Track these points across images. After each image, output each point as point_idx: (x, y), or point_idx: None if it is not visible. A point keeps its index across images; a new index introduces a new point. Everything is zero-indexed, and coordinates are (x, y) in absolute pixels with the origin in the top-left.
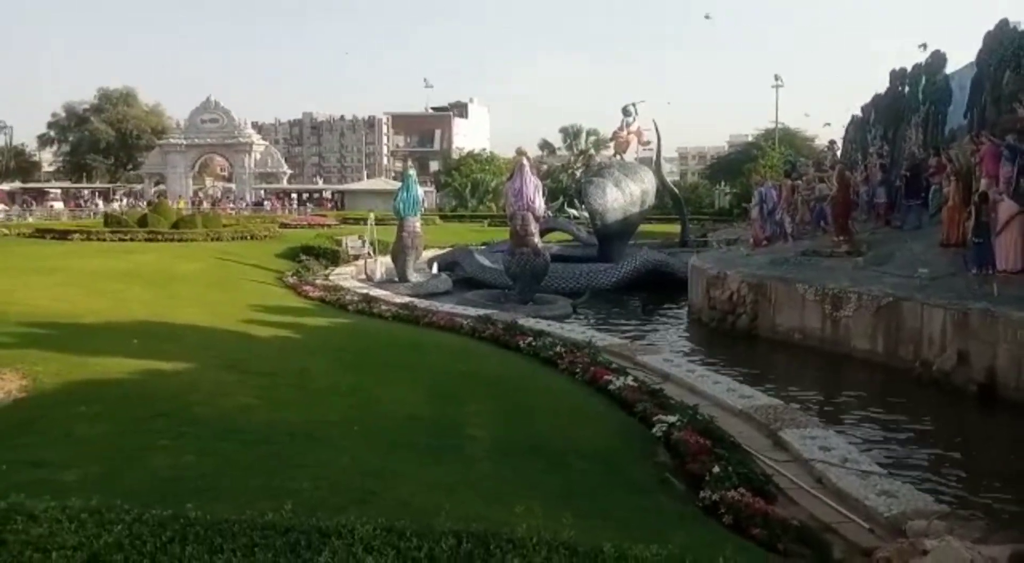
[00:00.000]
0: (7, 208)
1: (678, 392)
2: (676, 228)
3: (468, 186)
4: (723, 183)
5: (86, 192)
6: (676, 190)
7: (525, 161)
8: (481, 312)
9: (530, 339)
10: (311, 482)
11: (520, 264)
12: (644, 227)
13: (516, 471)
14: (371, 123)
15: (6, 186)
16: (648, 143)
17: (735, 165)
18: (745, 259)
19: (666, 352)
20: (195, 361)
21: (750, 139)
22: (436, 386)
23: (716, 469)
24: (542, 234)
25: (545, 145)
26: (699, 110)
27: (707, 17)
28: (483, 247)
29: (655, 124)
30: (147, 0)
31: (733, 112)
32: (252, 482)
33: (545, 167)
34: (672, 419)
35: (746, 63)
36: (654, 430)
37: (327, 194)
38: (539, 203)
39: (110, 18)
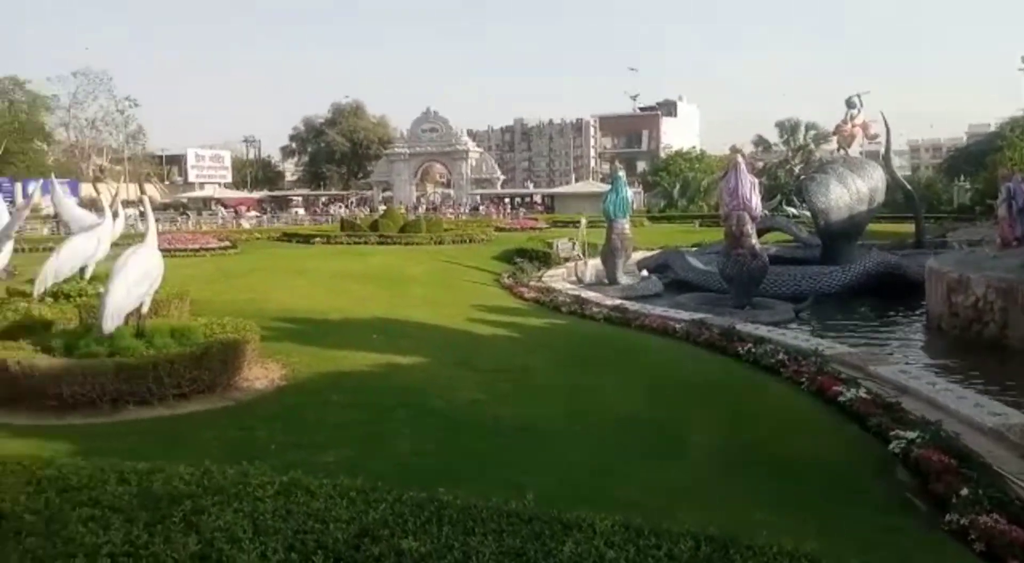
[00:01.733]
0: (258, 215)
1: (917, 406)
2: (908, 228)
3: (677, 186)
4: (962, 178)
5: (323, 199)
6: (908, 186)
7: (740, 159)
8: (695, 316)
9: (749, 345)
10: (542, 476)
11: (736, 266)
12: (872, 227)
13: (742, 479)
14: (579, 126)
15: (256, 194)
16: (875, 136)
17: (976, 158)
18: (992, 261)
19: (902, 363)
20: (428, 356)
21: (993, 128)
22: (653, 389)
23: (964, 491)
24: (759, 234)
25: (760, 141)
26: (934, 97)
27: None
28: (695, 249)
29: (883, 116)
30: (372, 21)
31: (971, 99)
32: (488, 472)
33: (761, 164)
34: (912, 435)
35: (985, 44)
36: (891, 446)
37: (537, 198)
38: (755, 202)
39: (342, 39)
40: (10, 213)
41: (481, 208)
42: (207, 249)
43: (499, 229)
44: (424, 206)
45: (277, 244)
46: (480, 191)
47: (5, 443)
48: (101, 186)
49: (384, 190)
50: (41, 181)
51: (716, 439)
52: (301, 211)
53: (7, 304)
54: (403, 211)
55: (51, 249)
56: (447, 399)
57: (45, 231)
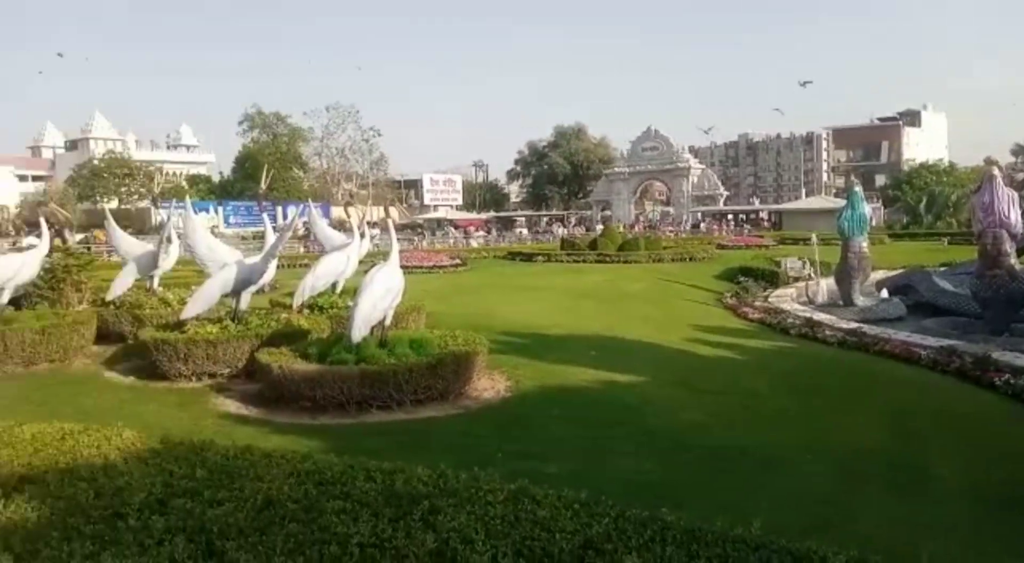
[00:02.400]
0: (485, 234)
1: None
2: None
3: (923, 200)
4: None
5: (544, 219)
6: None
7: (996, 171)
8: (943, 342)
9: (1007, 376)
10: (768, 503)
11: (992, 288)
12: None
13: (995, 522)
14: (809, 139)
15: (484, 216)
16: None
17: None
18: None
19: None
20: (647, 375)
21: None
22: (894, 419)
23: None
24: (1019, 254)
25: (1020, 151)
26: None
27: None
28: (943, 269)
29: None
30: (593, 52)
31: None
32: (711, 495)
33: (1021, 176)
34: None
35: None
36: None
37: (764, 214)
38: (1015, 218)
39: (567, 65)
40: (274, 233)
41: (702, 225)
42: (440, 266)
43: (721, 247)
44: (643, 224)
45: (502, 262)
46: (702, 208)
47: (269, 438)
48: (351, 210)
49: (603, 209)
50: (301, 205)
51: (966, 476)
52: (524, 231)
53: (271, 314)
54: (622, 229)
55: (307, 266)
56: (668, 419)
57: (301, 249)
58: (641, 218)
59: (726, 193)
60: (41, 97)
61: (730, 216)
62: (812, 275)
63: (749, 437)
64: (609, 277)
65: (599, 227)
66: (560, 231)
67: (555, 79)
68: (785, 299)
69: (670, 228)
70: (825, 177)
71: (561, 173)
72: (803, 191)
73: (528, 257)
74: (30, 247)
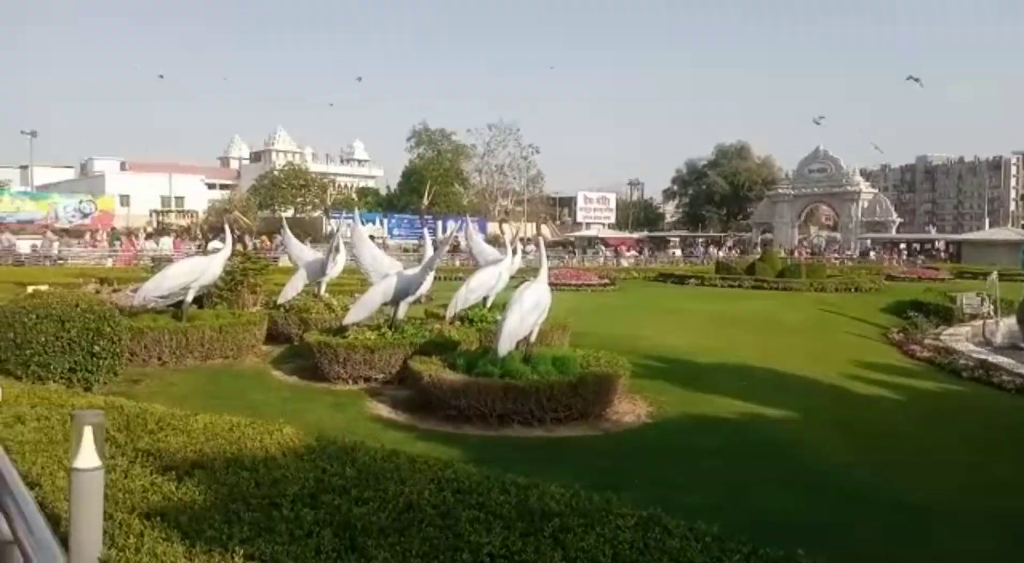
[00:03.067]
0: (637, 254)
1: None
2: None
3: None
4: None
5: (700, 240)
6: None
7: None
8: None
9: None
10: (916, 558)
11: None
12: None
13: None
14: (996, 164)
15: (636, 235)
16: None
17: None
18: None
19: None
20: (797, 410)
21: None
22: None
23: None
24: None
25: None
26: None
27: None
28: None
29: None
30: (757, 69)
31: None
32: (854, 541)
33: None
34: None
35: None
36: None
37: (940, 244)
38: None
39: (727, 82)
40: (433, 247)
41: (871, 253)
42: (589, 285)
43: (891, 277)
44: (806, 250)
45: (653, 284)
46: (871, 235)
47: (415, 443)
48: (505, 226)
49: (763, 232)
50: (459, 220)
51: None
52: (678, 252)
53: (424, 324)
54: (782, 254)
55: (461, 278)
56: (816, 457)
57: (456, 262)
58: (805, 243)
59: (899, 220)
60: (231, 112)
61: (903, 245)
62: (991, 313)
63: (904, 484)
64: (765, 304)
65: (757, 251)
66: (716, 253)
67: (716, 96)
68: (958, 338)
69: (835, 255)
70: (1013, 206)
71: (720, 193)
72: (986, 221)
73: (680, 279)
74: (215, 251)
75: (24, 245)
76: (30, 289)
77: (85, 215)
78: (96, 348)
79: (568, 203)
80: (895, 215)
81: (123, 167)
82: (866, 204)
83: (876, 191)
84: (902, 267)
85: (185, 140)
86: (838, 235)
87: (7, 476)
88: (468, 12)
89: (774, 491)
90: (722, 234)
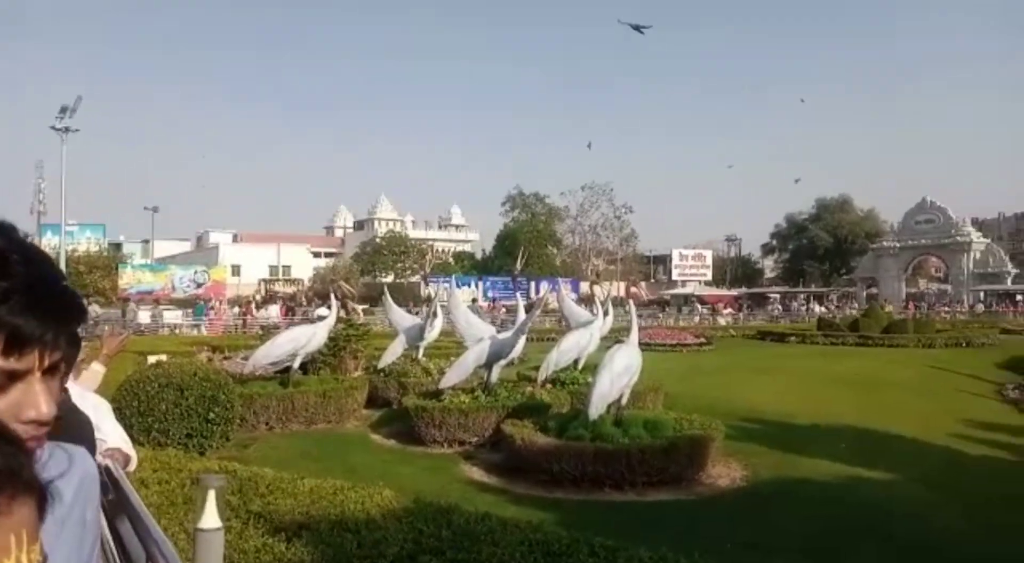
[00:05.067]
0: (734, 312)
1: None
2: None
3: None
4: None
5: (801, 296)
6: None
7: None
8: None
9: None
10: None
11: None
12: None
13: None
14: None
15: (734, 292)
16: None
17: None
18: None
19: None
20: (900, 473)
21: None
22: None
23: None
24: None
25: None
26: None
27: None
28: None
29: None
30: (853, 120)
31: None
32: None
33: None
34: None
35: None
36: None
37: None
38: None
39: (827, 135)
40: (526, 310)
41: (980, 306)
42: (684, 345)
43: (1007, 331)
44: (914, 304)
45: (751, 342)
46: (985, 287)
47: (507, 507)
48: (596, 288)
49: (868, 286)
50: (551, 283)
51: None
52: (778, 308)
53: (517, 387)
54: (888, 309)
55: (553, 340)
56: (918, 523)
57: (547, 324)
58: (912, 299)
59: (1015, 271)
60: (338, 183)
61: (1019, 297)
62: None
63: (1019, 552)
64: (870, 362)
65: (855, 306)
66: (818, 309)
67: (816, 150)
68: None
69: (946, 309)
70: None
71: (822, 246)
72: None
73: (780, 337)
74: (319, 319)
75: (144, 315)
76: (152, 359)
77: (199, 285)
78: (211, 415)
79: (663, 261)
80: (1009, 266)
81: (236, 238)
82: (978, 255)
83: (988, 241)
84: (1019, 320)
85: (296, 210)
86: (949, 288)
87: (151, 527)
88: (566, 79)
89: (872, 557)
90: (824, 289)
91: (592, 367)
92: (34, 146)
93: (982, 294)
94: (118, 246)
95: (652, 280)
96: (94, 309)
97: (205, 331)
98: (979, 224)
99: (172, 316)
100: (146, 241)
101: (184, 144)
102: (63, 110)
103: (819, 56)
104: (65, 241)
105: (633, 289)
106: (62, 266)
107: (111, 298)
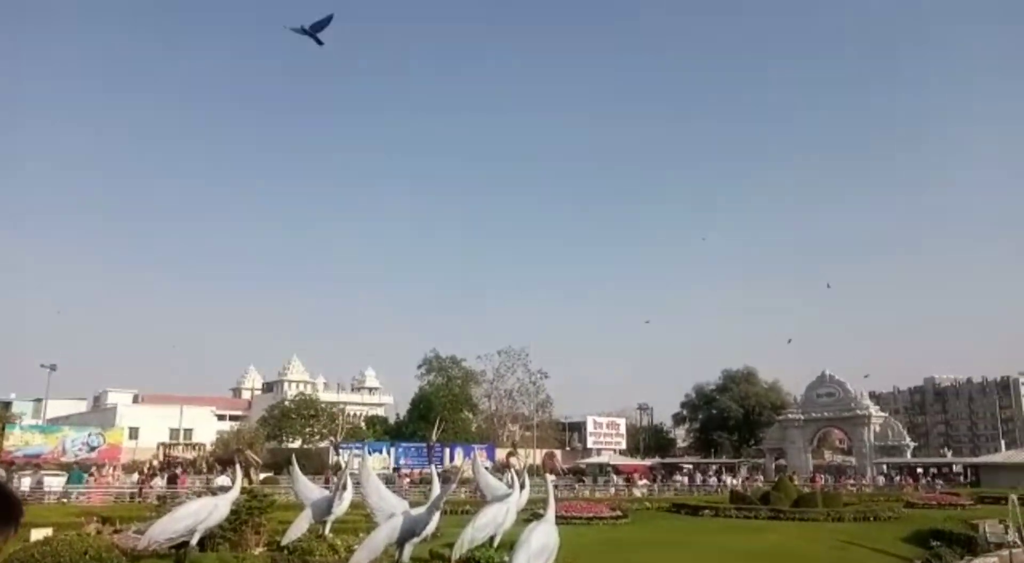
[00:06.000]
0: (648, 483)
1: None
2: None
3: None
4: None
5: (713, 467)
6: None
7: None
8: None
9: None
10: None
11: None
12: None
13: None
14: (1005, 385)
15: (648, 461)
16: None
17: None
18: None
19: None
20: None
21: None
22: None
23: None
24: None
25: None
26: None
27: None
28: None
29: None
30: (763, 289)
31: None
32: None
33: None
34: None
35: None
36: None
37: (957, 468)
38: None
39: (731, 306)
40: (440, 479)
41: (881, 478)
42: (600, 518)
43: (910, 505)
44: (820, 476)
45: (666, 515)
46: (887, 460)
47: None
48: (513, 459)
49: (777, 457)
50: (468, 450)
51: None
52: (686, 480)
53: None
54: (795, 481)
55: (468, 512)
56: None
57: (462, 495)
58: (819, 471)
59: (913, 444)
60: (248, 343)
61: (919, 470)
62: (1018, 542)
63: None
64: (782, 537)
65: (762, 478)
66: (730, 481)
67: (722, 323)
68: None
69: (851, 481)
70: None
71: (733, 418)
72: (1002, 442)
73: (694, 510)
74: (221, 488)
75: (26, 481)
76: (37, 534)
77: (92, 448)
78: None
79: (578, 428)
80: (908, 439)
81: (136, 399)
82: (878, 428)
83: (886, 414)
84: (920, 493)
85: (203, 370)
86: (853, 460)
87: None
88: (484, 239)
89: None
90: (735, 460)
91: (508, 544)
92: None
93: (884, 466)
94: (7, 405)
95: (568, 447)
96: None
97: (84, 499)
98: (876, 398)
99: (56, 482)
100: (39, 399)
101: (84, 299)
102: None
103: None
104: None
105: (550, 462)
106: None
107: None
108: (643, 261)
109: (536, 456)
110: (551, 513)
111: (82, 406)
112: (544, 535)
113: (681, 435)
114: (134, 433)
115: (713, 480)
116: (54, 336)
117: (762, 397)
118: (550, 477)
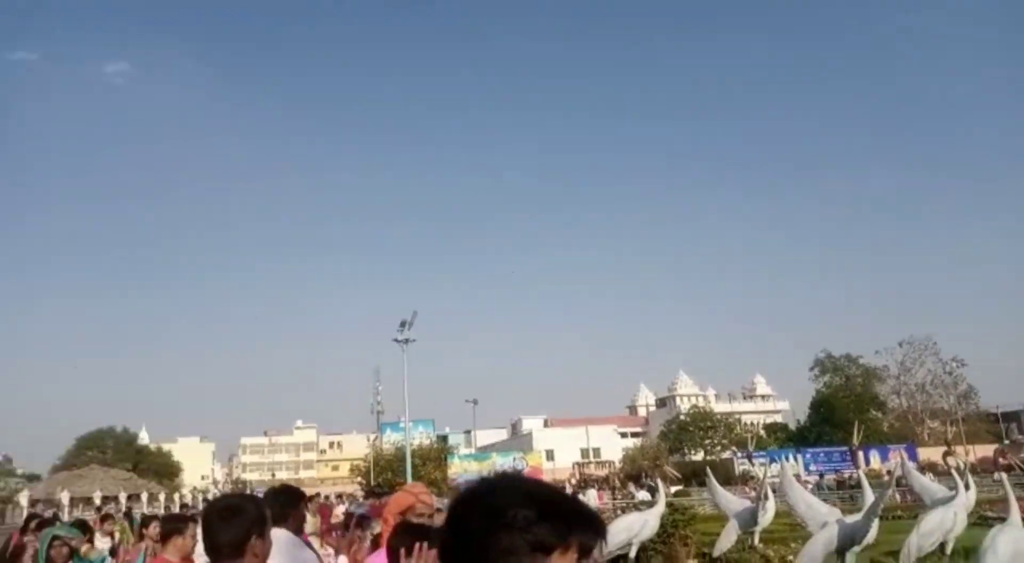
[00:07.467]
0: None
1: None
2: None
3: None
4: None
5: None
6: None
7: None
8: None
9: None
10: None
11: None
12: None
13: None
14: None
15: None
16: None
17: None
18: None
19: None
20: None
21: None
22: None
23: None
24: None
25: None
26: None
27: None
28: None
29: None
30: None
31: None
32: None
33: None
34: None
35: None
36: None
37: None
38: None
39: None
40: (871, 489)
41: None
42: None
43: None
44: None
45: None
46: None
47: None
48: (950, 459)
49: None
50: (886, 451)
51: None
52: None
53: None
54: None
55: (899, 517)
56: None
57: (897, 497)
58: None
59: None
60: (636, 361)
61: None
62: None
63: None
64: None
65: None
66: None
67: None
68: None
69: None
70: None
71: None
72: None
73: None
74: (644, 503)
75: None
76: None
77: (519, 472)
78: None
79: (1016, 418)
80: None
81: (546, 423)
82: None
83: None
84: None
85: (598, 391)
86: None
87: None
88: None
89: None
90: None
91: (962, 551)
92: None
93: None
94: (444, 438)
95: (1007, 441)
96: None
97: None
98: None
99: None
100: (468, 431)
101: (498, 337)
102: (402, 324)
103: None
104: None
105: (1002, 457)
106: (407, 460)
107: (443, 488)
108: None
109: (971, 453)
110: (1016, 515)
111: (502, 433)
112: (1013, 541)
113: None
114: (550, 455)
115: None
116: (472, 374)
117: None
118: (1005, 472)
